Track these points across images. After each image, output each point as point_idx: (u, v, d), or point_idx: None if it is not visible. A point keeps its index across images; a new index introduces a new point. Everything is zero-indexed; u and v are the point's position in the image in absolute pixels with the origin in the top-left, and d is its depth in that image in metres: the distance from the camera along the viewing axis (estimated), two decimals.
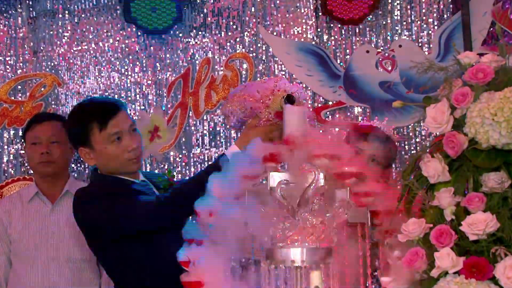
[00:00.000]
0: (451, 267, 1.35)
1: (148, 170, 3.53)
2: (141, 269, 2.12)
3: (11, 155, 3.61)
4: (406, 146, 3.38)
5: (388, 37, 3.45)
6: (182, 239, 1.69)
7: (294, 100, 1.84)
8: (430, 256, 1.38)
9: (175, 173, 3.53)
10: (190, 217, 2.16)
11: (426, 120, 1.48)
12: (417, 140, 3.37)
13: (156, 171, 3.47)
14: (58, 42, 3.67)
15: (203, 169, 2.47)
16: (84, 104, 2.26)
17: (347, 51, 3.48)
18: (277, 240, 1.47)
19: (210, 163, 3.29)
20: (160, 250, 2.09)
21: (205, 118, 3.59)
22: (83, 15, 3.67)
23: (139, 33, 3.63)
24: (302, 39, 3.50)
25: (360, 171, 1.70)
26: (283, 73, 3.51)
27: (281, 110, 1.84)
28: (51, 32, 3.67)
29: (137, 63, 3.65)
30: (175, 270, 1.66)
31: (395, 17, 3.45)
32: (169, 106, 3.61)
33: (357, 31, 3.48)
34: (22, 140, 3.14)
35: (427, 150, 1.51)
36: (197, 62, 3.59)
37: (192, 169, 3.57)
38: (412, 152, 3.32)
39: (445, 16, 3.41)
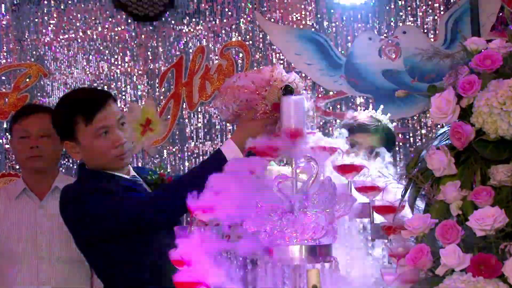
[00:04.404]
0: (457, 264, 1.35)
1: (139, 165, 3.53)
2: (132, 269, 2.12)
3: None
4: (411, 138, 3.38)
5: (392, 23, 3.44)
6: (174, 238, 1.69)
7: (293, 91, 1.83)
8: (436, 253, 1.38)
9: (168, 168, 3.52)
10: (184, 214, 2.16)
11: (431, 110, 1.48)
12: (423, 131, 3.37)
13: (148, 166, 3.47)
14: (44, 30, 3.65)
15: (197, 164, 2.47)
16: (70, 95, 2.25)
17: (349, 38, 3.47)
18: (274, 237, 1.47)
19: (205, 158, 3.29)
20: (152, 249, 2.08)
21: (199, 110, 3.58)
22: (69, 2, 3.65)
23: (129, 21, 3.62)
24: (301, 26, 3.49)
25: (362, 165, 1.70)
26: (281, 61, 3.50)
27: (279, 102, 1.82)
28: (36, 20, 3.65)
29: (127, 52, 3.64)
30: (167, 269, 1.65)
31: (399, 2, 3.43)
32: (161, 97, 3.61)
33: (359, 17, 3.47)
34: (7, 134, 3.13)
35: (432, 142, 1.51)
36: (190, 51, 3.58)
37: (186, 164, 3.57)
38: (417, 144, 3.32)
39: (452, 0, 3.40)
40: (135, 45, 3.63)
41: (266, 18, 3.53)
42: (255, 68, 3.43)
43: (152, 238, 2.08)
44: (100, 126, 2.13)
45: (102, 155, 2.14)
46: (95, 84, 3.60)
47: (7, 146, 3.54)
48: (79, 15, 3.64)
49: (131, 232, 2.07)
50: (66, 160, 3.57)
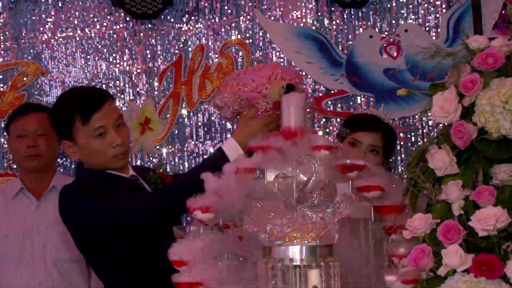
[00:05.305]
0: (459, 265, 1.35)
1: (138, 164, 3.53)
2: (132, 269, 2.12)
3: None
4: (412, 137, 3.38)
5: (393, 21, 3.44)
6: (174, 238, 1.69)
7: (295, 89, 1.82)
8: (437, 254, 1.38)
9: (167, 168, 3.52)
10: (184, 214, 2.16)
11: (432, 109, 1.48)
12: (424, 130, 3.37)
13: (147, 166, 3.47)
14: (41, 28, 3.65)
15: (198, 164, 2.47)
16: (67, 94, 2.24)
17: (349, 36, 3.47)
18: (274, 237, 1.47)
19: (206, 157, 3.29)
20: (152, 249, 2.08)
21: (199, 109, 3.58)
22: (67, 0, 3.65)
23: (127, 18, 3.62)
24: (302, 24, 3.49)
25: (363, 164, 1.70)
26: (282, 60, 3.50)
27: (280, 100, 1.82)
28: (34, 18, 3.65)
29: (126, 50, 3.64)
30: (167, 270, 1.66)
31: (401, 0, 3.43)
32: (160, 96, 3.61)
33: (360, 15, 3.47)
34: (5, 133, 3.13)
35: (434, 141, 1.50)
36: (189, 49, 3.58)
37: (186, 164, 3.57)
38: (419, 143, 3.32)
39: None
40: (133, 44, 3.63)
41: (266, 16, 3.53)
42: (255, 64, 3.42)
43: (151, 237, 2.08)
44: (97, 127, 2.12)
45: (99, 155, 2.14)
46: (93, 83, 3.60)
47: (4, 145, 3.54)
48: (77, 13, 3.64)
49: (131, 231, 2.07)
50: (64, 159, 3.57)
